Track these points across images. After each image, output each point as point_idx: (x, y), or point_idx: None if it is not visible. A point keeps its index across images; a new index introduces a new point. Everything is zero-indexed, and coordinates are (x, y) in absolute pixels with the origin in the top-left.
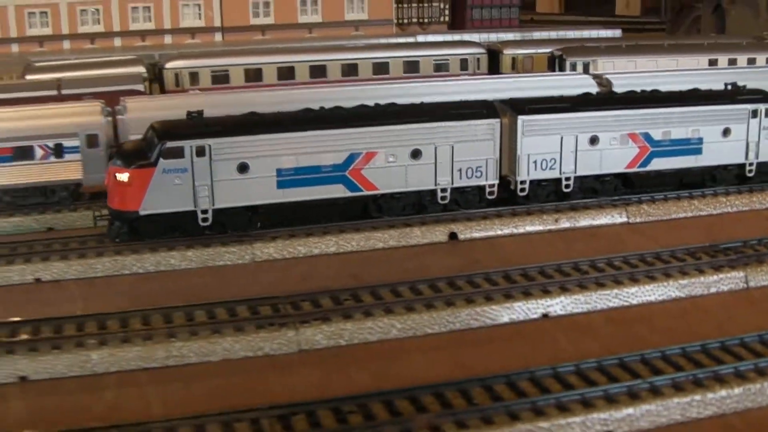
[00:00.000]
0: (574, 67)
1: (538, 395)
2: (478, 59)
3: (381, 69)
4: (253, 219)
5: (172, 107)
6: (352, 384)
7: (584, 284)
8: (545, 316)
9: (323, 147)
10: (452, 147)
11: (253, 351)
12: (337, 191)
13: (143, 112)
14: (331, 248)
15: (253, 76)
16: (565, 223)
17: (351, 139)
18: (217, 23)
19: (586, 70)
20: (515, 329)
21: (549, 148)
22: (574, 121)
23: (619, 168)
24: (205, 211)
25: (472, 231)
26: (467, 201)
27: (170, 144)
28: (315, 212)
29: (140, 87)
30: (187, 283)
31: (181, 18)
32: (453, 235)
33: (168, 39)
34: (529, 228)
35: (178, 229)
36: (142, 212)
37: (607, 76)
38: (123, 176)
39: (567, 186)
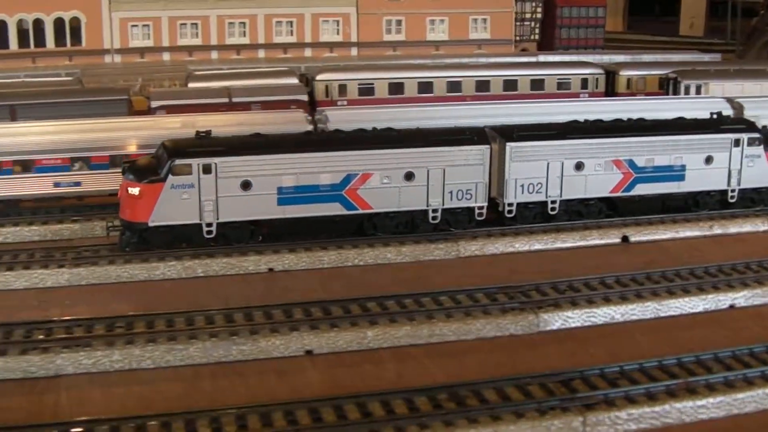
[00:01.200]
0: (687, 90)
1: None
2: (597, 79)
3: (510, 86)
4: (255, 232)
5: (368, 119)
6: (593, 359)
7: (761, 281)
8: (732, 306)
9: (321, 168)
10: (444, 170)
11: (501, 331)
12: (334, 209)
13: (343, 123)
14: (524, 247)
15: (395, 89)
16: (717, 230)
17: (348, 161)
18: (354, 38)
19: (698, 92)
20: (710, 317)
21: (536, 173)
22: (560, 148)
23: (604, 192)
24: (209, 225)
25: (640, 234)
26: (457, 221)
27: (179, 161)
28: (313, 228)
29: (304, 97)
30: (411, 275)
31: (321, 33)
32: (625, 238)
33: (308, 52)
34: (688, 233)
35: (184, 240)
36: (151, 224)
37: (739, 100)
38: (134, 190)
39: (553, 209)
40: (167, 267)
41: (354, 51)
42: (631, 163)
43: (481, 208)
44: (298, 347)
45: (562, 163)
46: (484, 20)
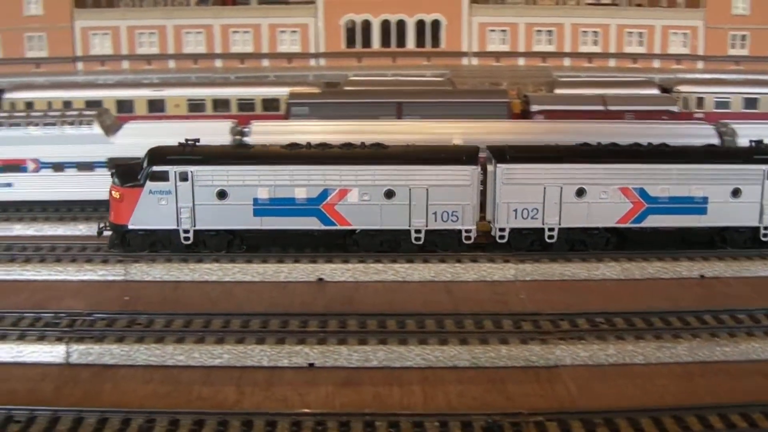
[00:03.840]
0: None
1: None
2: None
3: None
4: (234, 242)
5: None
6: None
7: None
8: None
9: (297, 181)
10: (427, 190)
11: None
12: (311, 223)
13: (749, 137)
14: None
15: (749, 104)
16: None
17: (324, 176)
18: (700, 51)
19: None
20: None
21: (531, 198)
22: (558, 172)
23: (610, 222)
24: (186, 231)
25: None
26: (445, 243)
27: (156, 168)
28: (292, 241)
29: (675, 108)
30: None
31: (669, 44)
32: None
33: (656, 63)
34: None
35: (163, 244)
36: (131, 226)
37: None
38: (116, 193)
39: (550, 237)
40: (607, 267)
41: (700, 64)
42: (643, 192)
43: (468, 231)
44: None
45: (561, 189)
46: None
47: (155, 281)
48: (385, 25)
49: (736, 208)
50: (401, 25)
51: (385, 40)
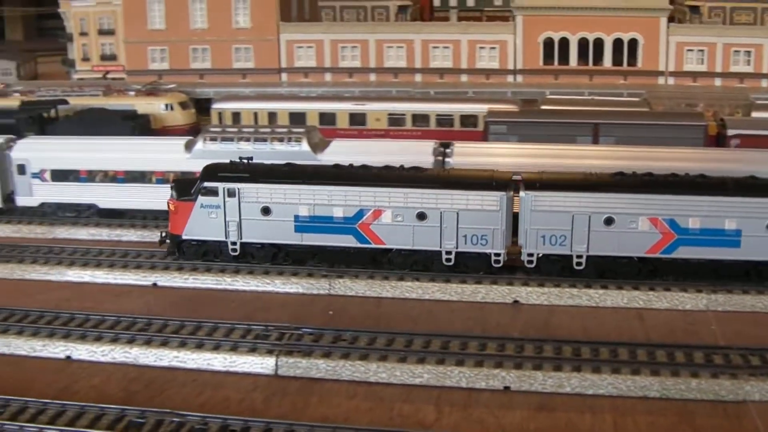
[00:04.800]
0: None
1: None
2: None
3: None
4: (279, 255)
5: None
6: None
7: None
8: None
9: (335, 201)
10: (457, 214)
11: None
12: (348, 241)
13: None
14: None
15: None
16: None
17: (360, 197)
18: None
19: None
20: None
21: (559, 225)
22: (585, 200)
23: (639, 252)
24: (234, 243)
25: None
26: (474, 266)
27: (207, 184)
28: (330, 257)
29: None
30: None
31: None
32: None
33: None
34: None
35: (214, 254)
36: (184, 237)
37: None
38: (172, 206)
39: (579, 264)
40: None
41: None
42: (672, 223)
43: (497, 255)
44: None
45: (589, 217)
46: None
47: (358, 296)
48: (583, 43)
49: None
50: (598, 43)
51: (582, 58)
